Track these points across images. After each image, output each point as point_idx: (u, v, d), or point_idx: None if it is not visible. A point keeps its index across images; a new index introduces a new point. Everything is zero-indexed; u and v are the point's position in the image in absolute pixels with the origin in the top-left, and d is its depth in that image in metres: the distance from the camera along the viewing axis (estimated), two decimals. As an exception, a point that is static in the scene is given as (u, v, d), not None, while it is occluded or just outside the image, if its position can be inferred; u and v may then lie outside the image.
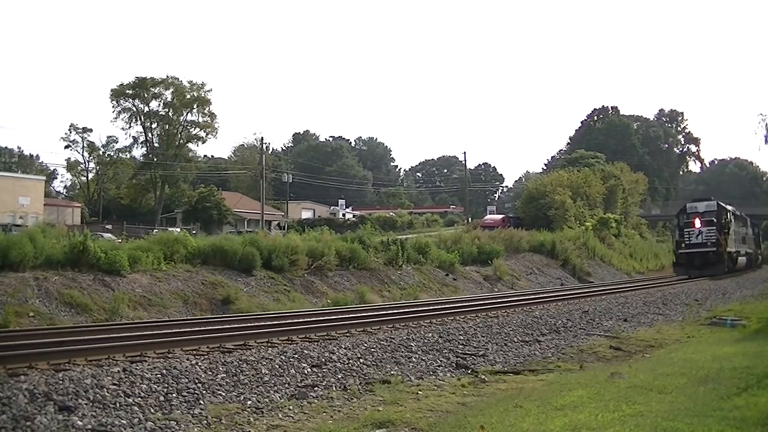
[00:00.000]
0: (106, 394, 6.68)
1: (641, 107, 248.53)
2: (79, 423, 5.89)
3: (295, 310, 18.17)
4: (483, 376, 8.80)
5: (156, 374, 7.45)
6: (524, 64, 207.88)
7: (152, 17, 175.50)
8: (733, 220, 36.92)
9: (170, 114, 75.76)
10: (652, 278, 36.54)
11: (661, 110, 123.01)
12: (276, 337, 10.78)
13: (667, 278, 34.92)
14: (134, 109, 75.54)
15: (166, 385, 7.19)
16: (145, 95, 74.68)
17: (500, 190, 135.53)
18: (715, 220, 33.94)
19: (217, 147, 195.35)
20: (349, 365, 8.98)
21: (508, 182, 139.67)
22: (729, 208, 37.83)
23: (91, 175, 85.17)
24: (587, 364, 9.83)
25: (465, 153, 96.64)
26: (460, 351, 10.60)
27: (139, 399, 6.71)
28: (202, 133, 77.44)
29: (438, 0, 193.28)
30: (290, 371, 8.37)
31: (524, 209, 54.74)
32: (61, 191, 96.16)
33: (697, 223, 33.90)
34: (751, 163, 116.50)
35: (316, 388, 7.81)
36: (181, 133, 76.86)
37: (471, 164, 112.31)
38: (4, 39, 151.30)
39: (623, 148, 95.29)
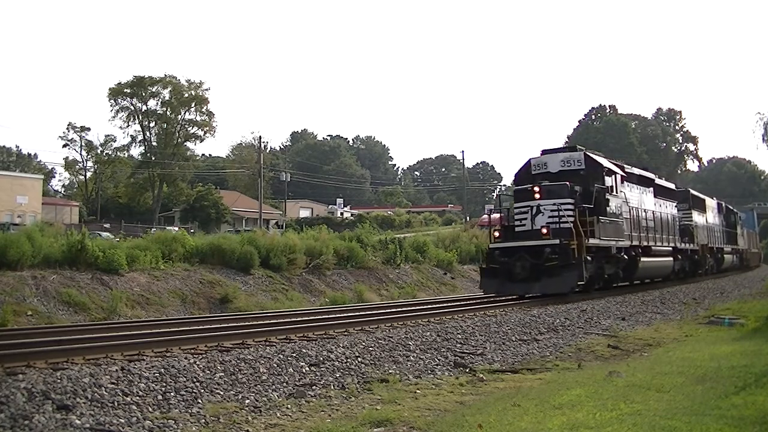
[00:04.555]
0: (104, 393, 6.67)
1: (639, 106, 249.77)
2: (78, 422, 5.87)
3: (293, 309, 18.17)
4: (481, 375, 8.79)
5: (154, 373, 7.44)
6: (522, 63, 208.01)
7: (150, 16, 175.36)
8: (626, 189, 20.97)
9: (168, 113, 75.86)
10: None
11: (659, 109, 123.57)
12: (274, 336, 10.76)
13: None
14: (132, 107, 75.70)
15: (164, 384, 7.18)
16: (143, 94, 74.77)
17: (498, 189, 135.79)
18: (574, 187, 18.03)
19: (215, 146, 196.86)
20: (348, 364, 8.97)
21: (507, 181, 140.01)
22: (625, 170, 21.78)
23: (89, 174, 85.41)
24: (585, 363, 9.83)
25: (463, 152, 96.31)
26: (458, 350, 10.60)
27: (137, 398, 6.70)
28: (200, 132, 77.74)
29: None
30: (288, 370, 8.36)
31: (522, 208, 54.53)
32: (59, 190, 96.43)
33: (538, 192, 17.81)
34: (749, 161, 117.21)
35: (314, 387, 7.80)
36: (179, 131, 76.96)
37: (469, 163, 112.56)
38: (2, 38, 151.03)
39: (621, 146, 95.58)
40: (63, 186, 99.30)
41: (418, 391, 7.74)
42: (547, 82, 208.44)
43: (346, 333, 11.47)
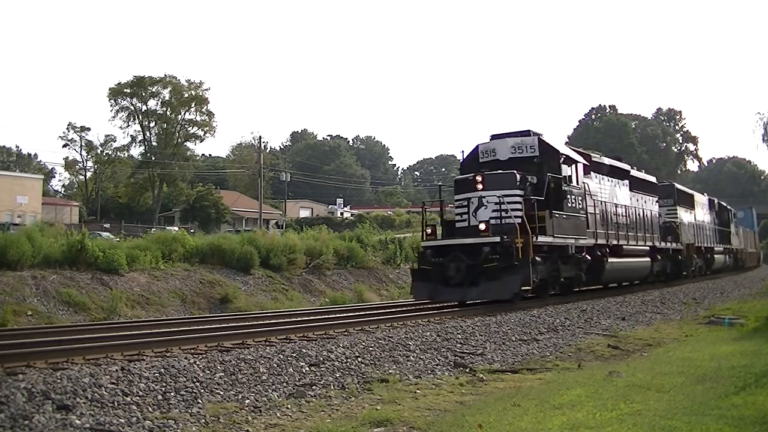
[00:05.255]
0: (104, 393, 6.67)
1: (639, 106, 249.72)
2: (78, 422, 5.87)
3: (293, 309, 18.16)
4: (481, 375, 8.79)
5: (154, 373, 7.44)
6: (522, 63, 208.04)
7: (150, 16, 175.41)
8: (591, 181, 18.63)
9: (168, 113, 75.90)
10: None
11: (659, 109, 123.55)
12: (274, 335, 10.76)
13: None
14: (132, 107, 75.74)
15: (164, 384, 7.18)
16: (143, 94, 74.80)
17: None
18: (526, 176, 16.05)
19: (215, 146, 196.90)
20: (347, 364, 8.97)
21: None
22: (592, 159, 19.52)
23: (89, 174, 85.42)
24: (585, 363, 9.83)
25: (463, 152, 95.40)
26: (458, 350, 10.59)
27: (137, 398, 6.70)
28: (200, 132, 77.81)
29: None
30: (288, 370, 8.36)
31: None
32: (59, 190, 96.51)
33: (481, 183, 15.63)
34: (749, 161, 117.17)
35: (314, 387, 7.80)
36: (179, 131, 76.99)
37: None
38: (2, 38, 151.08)
39: (621, 147, 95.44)
40: (63, 186, 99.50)
41: (418, 391, 7.73)
42: (547, 82, 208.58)
43: (346, 333, 11.47)
